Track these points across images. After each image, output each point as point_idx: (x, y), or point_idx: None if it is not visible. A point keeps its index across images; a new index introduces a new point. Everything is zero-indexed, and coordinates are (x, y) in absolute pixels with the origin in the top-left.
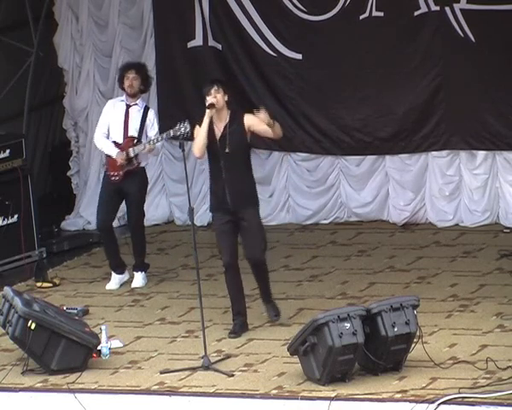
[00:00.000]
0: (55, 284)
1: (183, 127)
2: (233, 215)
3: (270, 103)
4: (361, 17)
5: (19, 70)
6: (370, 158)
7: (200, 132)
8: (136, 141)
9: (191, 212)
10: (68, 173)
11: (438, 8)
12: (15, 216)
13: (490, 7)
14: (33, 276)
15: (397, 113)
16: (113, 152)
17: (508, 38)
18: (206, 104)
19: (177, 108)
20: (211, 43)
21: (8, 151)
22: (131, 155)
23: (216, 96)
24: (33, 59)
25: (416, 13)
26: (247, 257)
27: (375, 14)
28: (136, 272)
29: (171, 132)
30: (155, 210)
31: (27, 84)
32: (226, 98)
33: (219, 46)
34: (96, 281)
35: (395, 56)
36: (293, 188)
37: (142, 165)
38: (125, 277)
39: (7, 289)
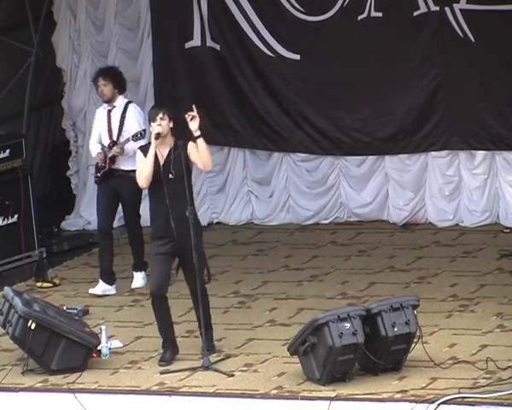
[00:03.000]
0: (55, 284)
1: (140, 130)
2: (176, 243)
3: (269, 104)
4: (360, 17)
5: (19, 70)
6: (370, 158)
7: (147, 162)
8: (113, 144)
9: (191, 212)
10: (67, 173)
11: (437, 8)
12: (15, 216)
13: (490, 7)
14: (33, 276)
15: (396, 113)
16: (95, 154)
17: (508, 38)
18: (153, 133)
19: (175, 109)
20: (209, 43)
21: (8, 151)
22: (108, 156)
23: (161, 124)
24: (33, 59)
25: (415, 13)
26: (189, 286)
27: (373, 14)
28: (136, 272)
29: (130, 138)
30: None
31: (27, 84)
32: (171, 125)
33: (217, 46)
34: (95, 281)
35: (395, 56)
36: (293, 188)
37: (126, 168)
38: (112, 291)
39: (7, 289)
